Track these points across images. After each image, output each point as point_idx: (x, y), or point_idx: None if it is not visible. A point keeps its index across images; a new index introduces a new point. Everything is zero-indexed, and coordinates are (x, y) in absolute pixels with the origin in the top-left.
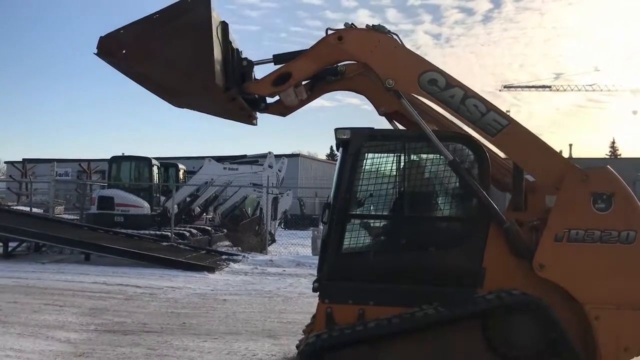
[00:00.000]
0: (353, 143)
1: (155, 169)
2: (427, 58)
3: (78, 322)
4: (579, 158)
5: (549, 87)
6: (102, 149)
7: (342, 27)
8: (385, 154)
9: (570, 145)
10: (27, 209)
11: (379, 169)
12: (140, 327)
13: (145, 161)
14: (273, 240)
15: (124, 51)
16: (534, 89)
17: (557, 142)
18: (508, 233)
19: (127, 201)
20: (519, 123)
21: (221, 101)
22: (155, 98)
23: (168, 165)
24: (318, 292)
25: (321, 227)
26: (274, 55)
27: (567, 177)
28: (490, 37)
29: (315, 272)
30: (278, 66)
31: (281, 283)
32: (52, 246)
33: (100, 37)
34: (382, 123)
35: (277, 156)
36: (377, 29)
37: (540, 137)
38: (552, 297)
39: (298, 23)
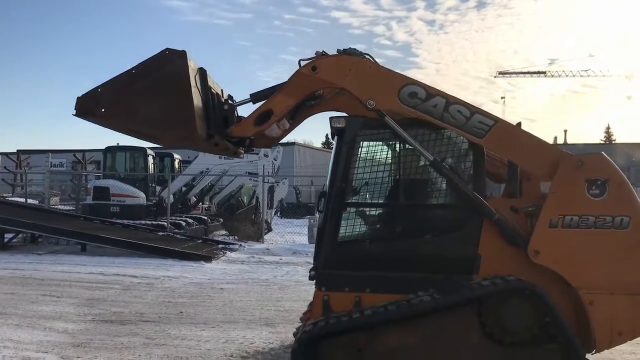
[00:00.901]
0: (348, 131)
1: (150, 159)
2: (421, 44)
3: (75, 313)
4: (573, 144)
5: (544, 73)
6: (96, 139)
7: (314, 55)
8: (381, 142)
9: (565, 131)
10: (22, 200)
11: (374, 157)
12: (137, 316)
13: (140, 151)
14: (269, 229)
15: (103, 110)
16: (528, 75)
17: (552, 128)
18: (499, 224)
19: (123, 191)
20: (505, 120)
21: (206, 146)
22: None
23: (163, 154)
24: (314, 280)
25: (317, 215)
26: (251, 95)
27: (561, 164)
28: (484, 24)
29: (311, 260)
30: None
31: (278, 271)
32: (48, 237)
33: (78, 97)
34: None
35: (273, 145)
36: (349, 53)
37: (534, 122)
38: (547, 283)
39: (291, 10)
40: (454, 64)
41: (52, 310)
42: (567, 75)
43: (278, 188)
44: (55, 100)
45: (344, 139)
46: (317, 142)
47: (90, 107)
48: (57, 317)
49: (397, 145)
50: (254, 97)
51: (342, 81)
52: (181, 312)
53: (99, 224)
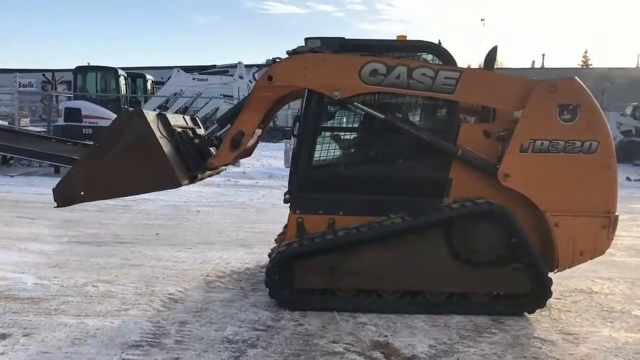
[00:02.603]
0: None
1: (122, 80)
2: None
3: (51, 234)
4: (550, 68)
5: None
6: (65, 59)
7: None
8: None
9: (543, 55)
10: None
11: None
12: (113, 238)
13: (111, 71)
14: None
15: (82, 192)
16: None
17: (529, 51)
18: (465, 159)
19: (95, 113)
20: (469, 68)
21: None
22: (122, 9)
23: (135, 75)
24: (289, 204)
25: (293, 139)
26: (216, 120)
27: (534, 90)
28: None
29: (287, 183)
30: None
31: (254, 194)
32: (20, 159)
33: (54, 189)
34: (355, 34)
35: (248, 66)
36: (299, 52)
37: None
38: (515, 205)
39: None
40: None
41: (27, 231)
42: None
43: None
44: (22, 18)
45: None
46: None
47: (69, 194)
48: (32, 239)
49: None
50: (220, 122)
51: (301, 82)
52: (157, 234)
53: (72, 146)
